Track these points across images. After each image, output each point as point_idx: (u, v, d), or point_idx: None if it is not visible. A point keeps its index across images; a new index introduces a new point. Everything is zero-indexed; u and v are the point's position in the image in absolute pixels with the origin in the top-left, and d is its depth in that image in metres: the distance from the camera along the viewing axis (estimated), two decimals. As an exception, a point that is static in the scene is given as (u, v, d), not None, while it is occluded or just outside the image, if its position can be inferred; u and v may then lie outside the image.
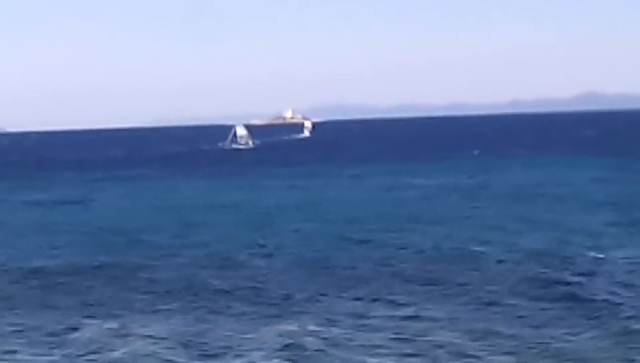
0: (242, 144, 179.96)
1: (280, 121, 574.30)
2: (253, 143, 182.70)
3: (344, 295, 32.95)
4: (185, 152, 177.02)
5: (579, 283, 33.64)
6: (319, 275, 36.98)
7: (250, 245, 45.33)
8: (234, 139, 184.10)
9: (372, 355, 25.41)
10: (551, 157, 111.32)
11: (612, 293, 31.98)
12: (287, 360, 25.23)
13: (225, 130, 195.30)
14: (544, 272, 35.92)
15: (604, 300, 30.84)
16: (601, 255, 39.06)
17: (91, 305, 33.00)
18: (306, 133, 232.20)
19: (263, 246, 45.01)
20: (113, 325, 29.42)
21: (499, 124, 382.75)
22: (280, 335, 27.40)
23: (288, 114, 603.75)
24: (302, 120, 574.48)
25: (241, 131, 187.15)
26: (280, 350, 26.04)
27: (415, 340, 26.66)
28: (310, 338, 27.09)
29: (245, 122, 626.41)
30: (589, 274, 35.12)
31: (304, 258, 41.47)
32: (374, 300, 32.31)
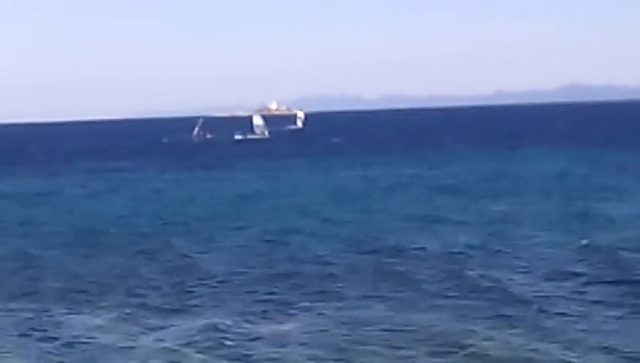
0: (259, 134, 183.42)
1: (265, 113, 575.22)
2: (269, 133, 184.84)
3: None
4: (208, 142, 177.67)
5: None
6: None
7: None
8: (251, 129, 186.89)
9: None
10: (519, 149, 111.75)
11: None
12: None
13: (221, 122, 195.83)
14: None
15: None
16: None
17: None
18: (299, 124, 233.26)
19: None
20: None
21: (482, 115, 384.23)
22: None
23: (273, 106, 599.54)
24: (287, 112, 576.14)
25: (258, 121, 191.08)
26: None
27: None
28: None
29: (230, 114, 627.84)
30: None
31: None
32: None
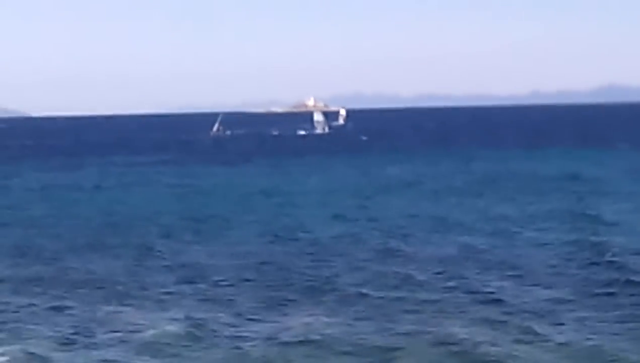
0: (319, 130, 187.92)
1: (303, 109, 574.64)
2: (330, 128, 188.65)
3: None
4: (281, 136, 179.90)
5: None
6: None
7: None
8: (312, 124, 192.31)
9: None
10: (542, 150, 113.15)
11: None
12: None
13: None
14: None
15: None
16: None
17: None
18: (341, 121, 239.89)
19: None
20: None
21: (518, 115, 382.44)
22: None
23: (310, 102, 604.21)
24: (325, 108, 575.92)
25: (318, 117, 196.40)
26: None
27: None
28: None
29: (266, 110, 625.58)
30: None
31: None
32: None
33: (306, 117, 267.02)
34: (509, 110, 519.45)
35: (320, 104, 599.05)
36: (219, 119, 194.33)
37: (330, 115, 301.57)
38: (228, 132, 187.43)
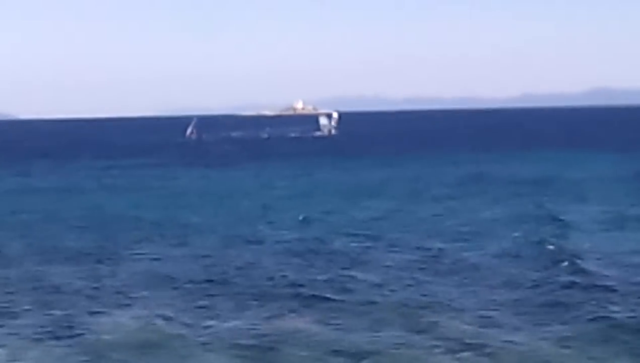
0: (325, 132, 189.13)
1: (291, 112, 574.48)
2: (335, 131, 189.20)
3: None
4: (299, 138, 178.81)
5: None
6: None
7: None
8: (317, 127, 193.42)
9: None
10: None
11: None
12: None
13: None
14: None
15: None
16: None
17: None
18: (333, 124, 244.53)
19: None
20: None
21: (508, 117, 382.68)
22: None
23: (299, 105, 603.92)
24: (313, 112, 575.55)
25: (323, 121, 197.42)
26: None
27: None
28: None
29: (256, 113, 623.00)
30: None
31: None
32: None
33: (295, 119, 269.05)
34: (499, 113, 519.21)
35: (309, 107, 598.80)
36: (193, 122, 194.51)
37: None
38: (204, 136, 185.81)
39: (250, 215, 55.48)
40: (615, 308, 29.34)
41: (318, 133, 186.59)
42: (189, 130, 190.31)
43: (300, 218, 52.77)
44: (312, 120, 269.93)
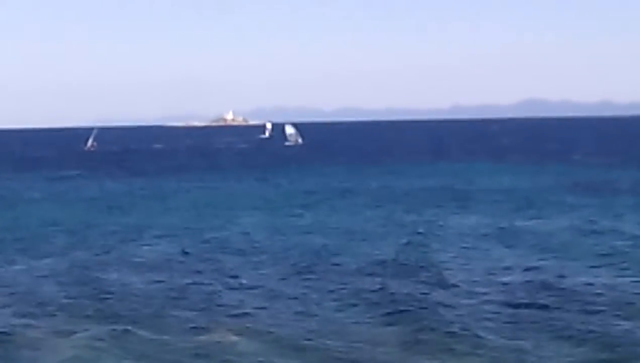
0: (292, 142, 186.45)
1: (222, 123, 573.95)
2: (302, 141, 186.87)
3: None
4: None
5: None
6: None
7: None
8: (284, 137, 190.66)
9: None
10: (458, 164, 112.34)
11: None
12: None
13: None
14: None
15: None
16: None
17: None
18: (267, 134, 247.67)
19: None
20: None
21: (435, 128, 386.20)
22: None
23: (229, 116, 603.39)
24: (243, 123, 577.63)
25: (290, 130, 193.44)
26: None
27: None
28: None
29: (185, 123, 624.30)
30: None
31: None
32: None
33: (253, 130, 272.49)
34: (426, 124, 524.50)
35: (239, 118, 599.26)
36: (94, 133, 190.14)
37: (254, 129, 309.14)
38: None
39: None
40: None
41: (287, 143, 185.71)
42: (89, 142, 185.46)
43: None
44: (257, 130, 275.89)
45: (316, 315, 29.90)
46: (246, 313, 30.24)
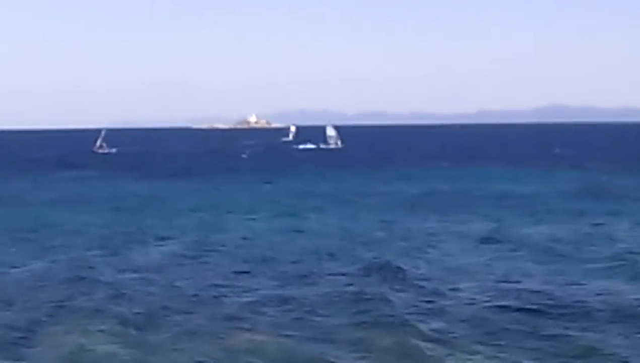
0: (332, 144, 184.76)
1: (245, 126, 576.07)
2: (342, 143, 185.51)
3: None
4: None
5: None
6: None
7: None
8: (324, 139, 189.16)
9: None
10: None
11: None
12: None
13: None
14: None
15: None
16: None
17: None
18: (290, 137, 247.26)
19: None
20: None
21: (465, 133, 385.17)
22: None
23: (252, 119, 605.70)
24: (266, 125, 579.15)
25: (331, 132, 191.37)
26: None
27: None
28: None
29: (209, 125, 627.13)
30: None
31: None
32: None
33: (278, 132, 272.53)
34: (453, 128, 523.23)
35: (262, 121, 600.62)
36: (102, 135, 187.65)
37: (277, 132, 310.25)
38: (113, 150, 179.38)
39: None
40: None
41: (325, 145, 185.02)
42: (97, 143, 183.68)
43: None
44: (280, 133, 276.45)
45: (309, 320, 29.93)
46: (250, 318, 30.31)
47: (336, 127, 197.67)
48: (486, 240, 47.05)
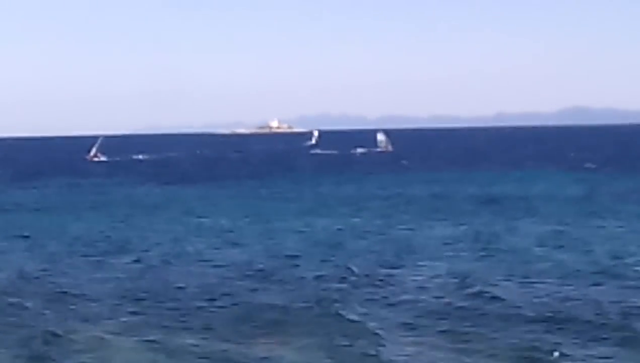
0: (382, 148, 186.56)
1: (267, 131, 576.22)
2: (392, 148, 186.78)
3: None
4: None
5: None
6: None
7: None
8: (375, 143, 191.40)
9: None
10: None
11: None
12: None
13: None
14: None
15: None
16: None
17: None
18: (313, 141, 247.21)
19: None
20: None
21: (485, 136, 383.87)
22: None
23: (274, 124, 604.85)
24: (289, 130, 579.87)
25: (381, 137, 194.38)
26: None
27: None
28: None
29: (230, 131, 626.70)
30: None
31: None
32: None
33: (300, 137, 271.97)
34: (473, 131, 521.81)
35: (284, 125, 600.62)
36: (98, 142, 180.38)
37: (300, 137, 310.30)
38: (103, 158, 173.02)
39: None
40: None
41: (378, 149, 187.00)
42: (92, 151, 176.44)
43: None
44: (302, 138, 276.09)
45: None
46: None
47: (385, 132, 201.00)
48: (461, 241, 48.22)
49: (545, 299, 33.49)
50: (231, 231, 55.37)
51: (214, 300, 34.43)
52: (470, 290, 35.16)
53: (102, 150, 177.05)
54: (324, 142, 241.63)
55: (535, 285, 36.15)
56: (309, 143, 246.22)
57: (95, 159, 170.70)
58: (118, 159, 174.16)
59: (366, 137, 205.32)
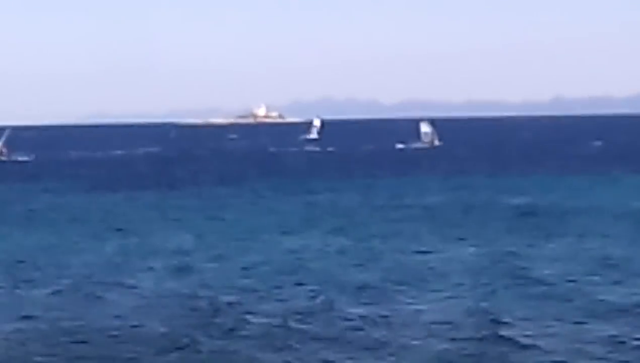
0: (427, 142, 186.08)
1: (250, 120, 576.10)
2: (439, 142, 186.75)
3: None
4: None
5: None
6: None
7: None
8: (418, 136, 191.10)
9: None
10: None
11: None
12: None
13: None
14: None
15: None
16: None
17: None
18: (314, 134, 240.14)
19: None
20: None
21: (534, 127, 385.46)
22: None
23: (260, 112, 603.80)
24: (279, 119, 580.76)
25: (425, 128, 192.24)
26: None
27: None
28: None
29: (204, 120, 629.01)
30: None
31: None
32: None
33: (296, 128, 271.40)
34: (522, 121, 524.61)
35: (274, 114, 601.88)
36: (4, 136, 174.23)
37: (293, 128, 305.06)
38: (24, 158, 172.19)
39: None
40: None
41: (418, 144, 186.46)
42: None
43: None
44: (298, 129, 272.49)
45: None
46: None
47: (432, 122, 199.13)
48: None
49: (589, 348, 33.53)
50: (181, 254, 55.75)
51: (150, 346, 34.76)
52: (490, 333, 35.67)
53: (8, 145, 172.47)
54: (326, 134, 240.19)
55: (580, 327, 36.39)
56: (308, 136, 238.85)
57: (3, 158, 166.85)
58: (46, 157, 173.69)
59: (397, 127, 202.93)
